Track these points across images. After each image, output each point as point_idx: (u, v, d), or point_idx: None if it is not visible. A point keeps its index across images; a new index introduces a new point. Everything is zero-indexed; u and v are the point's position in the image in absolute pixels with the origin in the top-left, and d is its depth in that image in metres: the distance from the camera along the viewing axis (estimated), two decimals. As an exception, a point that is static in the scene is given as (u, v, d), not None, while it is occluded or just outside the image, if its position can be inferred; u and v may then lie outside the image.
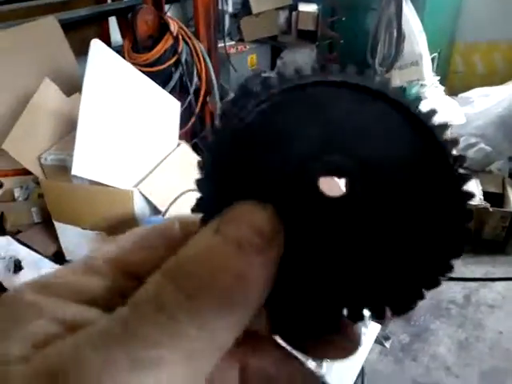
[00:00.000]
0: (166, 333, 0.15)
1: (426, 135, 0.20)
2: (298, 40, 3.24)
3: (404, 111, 0.20)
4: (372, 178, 0.20)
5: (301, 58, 3.19)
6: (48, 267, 1.17)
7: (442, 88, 3.11)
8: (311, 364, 1.37)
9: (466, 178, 0.20)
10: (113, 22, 3.02)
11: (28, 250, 1.20)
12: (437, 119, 0.21)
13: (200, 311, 0.16)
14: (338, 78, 0.21)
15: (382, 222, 0.20)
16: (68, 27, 2.64)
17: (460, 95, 3.08)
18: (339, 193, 0.20)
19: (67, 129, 2.16)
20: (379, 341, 1.54)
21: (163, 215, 1.86)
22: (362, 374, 1.64)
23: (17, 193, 2.41)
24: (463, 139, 2.99)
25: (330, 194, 0.20)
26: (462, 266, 2.40)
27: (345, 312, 0.21)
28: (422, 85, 3.03)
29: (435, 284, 0.20)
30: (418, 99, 0.20)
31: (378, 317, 0.20)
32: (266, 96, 0.20)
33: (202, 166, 0.21)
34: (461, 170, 0.20)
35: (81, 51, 2.64)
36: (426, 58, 2.73)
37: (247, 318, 0.17)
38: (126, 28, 2.67)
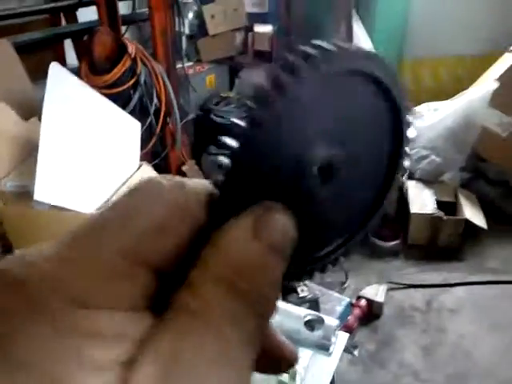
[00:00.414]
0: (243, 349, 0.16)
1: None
2: (255, 60, 3.32)
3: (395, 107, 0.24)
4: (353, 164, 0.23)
5: (258, 78, 3.25)
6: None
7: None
8: (284, 376, 1.38)
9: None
10: (68, 44, 2.99)
11: None
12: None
13: (261, 325, 0.17)
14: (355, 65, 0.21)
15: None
16: (22, 50, 2.60)
17: (411, 110, 3.22)
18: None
19: (25, 153, 2.11)
20: (348, 350, 1.57)
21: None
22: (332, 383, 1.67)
23: (-28, 221, 2.33)
24: (415, 152, 3.13)
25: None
26: (420, 274, 2.50)
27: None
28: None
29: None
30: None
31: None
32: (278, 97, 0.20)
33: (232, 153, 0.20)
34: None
35: (36, 75, 2.60)
36: (377, 76, 2.85)
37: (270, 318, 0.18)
38: (83, 50, 2.65)
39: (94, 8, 2.64)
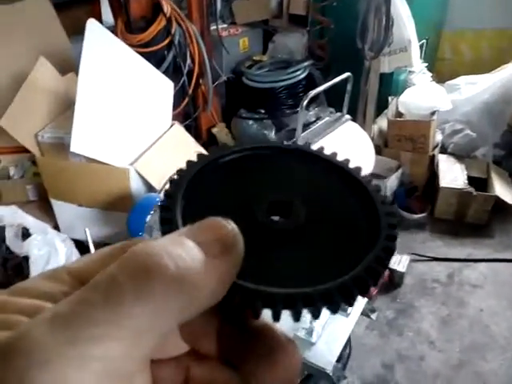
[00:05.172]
0: (112, 311, 0.17)
1: (357, 185, 0.27)
2: (290, 24, 3.26)
3: (336, 169, 0.28)
4: (312, 212, 0.25)
5: (292, 42, 3.21)
6: (54, 234, 1.21)
7: (430, 75, 3.17)
8: (301, 332, 1.43)
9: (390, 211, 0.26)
10: (104, 1, 3.00)
11: (33, 218, 1.23)
12: (362, 173, 0.28)
13: (147, 293, 0.17)
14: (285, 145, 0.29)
15: (319, 238, 0.25)
16: (59, 7, 2.63)
17: (447, 82, 3.14)
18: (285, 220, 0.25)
19: (62, 107, 2.17)
20: (366, 313, 1.60)
21: (159, 193, 1.90)
22: (349, 345, 1.71)
23: (12, 171, 2.43)
24: (449, 125, 3.07)
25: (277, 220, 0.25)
26: (445, 247, 2.50)
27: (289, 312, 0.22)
28: (409, 71, 3.09)
29: (365, 289, 0.22)
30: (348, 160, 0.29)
31: (314, 315, 0.22)
32: (233, 150, 0.27)
33: (168, 194, 0.24)
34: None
35: (73, 31, 2.64)
36: (414, 45, 2.78)
37: (193, 309, 0.19)
38: (119, 8, 2.66)
39: (130, -34, 2.62)
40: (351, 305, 0.22)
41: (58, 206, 2.16)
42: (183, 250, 0.19)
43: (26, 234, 1.17)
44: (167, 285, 0.17)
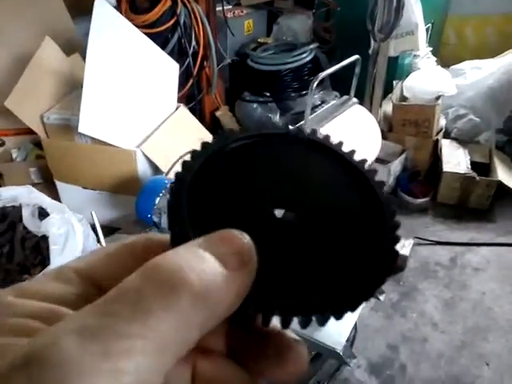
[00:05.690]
0: (140, 325, 0.17)
1: (361, 180, 0.26)
2: (295, 6, 3.23)
3: (340, 158, 0.27)
4: (316, 208, 0.25)
5: (297, 25, 3.19)
6: (71, 214, 1.21)
7: (434, 59, 3.16)
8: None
9: (393, 215, 0.25)
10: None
11: (49, 198, 1.24)
12: (367, 165, 0.27)
13: (174, 307, 0.17)
14: (292, 131, 0.27)
15: (324, 243, 0.24)
16: (63, -14, 2.59)
17: (452, 67, 3.13)
18: (291, 218, 0.25)
19: (67, 88, 2.16)
20: (374, 295, 1.62)
21: (166, 175, 1.91)
22: (354, 327, 1.74)
23: (14, 154, 2.42)
24: (453, 110, 3.07)
25: (284, 219, 0.25)
26: (447, 232, 2.52)
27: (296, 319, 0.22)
28: (414, 55, 3.08)
29: (369, 295, 0.23)
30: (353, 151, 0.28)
31: (321, 322, 0.22)
32: (235, 138, 0.26)
33: (174, 193, 0.23)
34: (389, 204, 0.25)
35: (76, 11, 2.61)
36: (421, 28, 2.76)
37: (214, 320, 0.19)
38: (123, -12, 2.62)
39: None
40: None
41: (63, 188, 2.16)
42: (206, 264, 0.19)
43: (42, 213, 1.18)
44: (193, 300, 0.18)
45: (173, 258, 0.19)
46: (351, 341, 1.71)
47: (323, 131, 1.65)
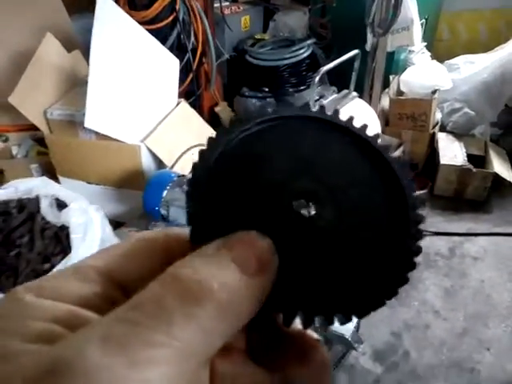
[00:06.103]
0: (165, 334, 0.17)
1: (384, 167, 0.24)
2: (291, 2, 3.26)
3: (365, 145, 0.25)
4: (339, 202, 0.23)
5: (293, 21, 3.21)
6: (88, 205, 1.23)
7: (429, 54, 3.20)
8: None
9: (416, 208, 0.23)
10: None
11: (66, 189, 1.25)
12: (392, 153, 0.24)
13: (197, 317, 0.17)
14: (310, 113, 0.25)
15: (347, 240, 0.23)
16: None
17: (446, 62, 3.18)
18: (311, 212, 0.23)
19: (69, 84, 2.16)
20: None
21: (171, 169, 1.92)
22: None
23: (15, 150, 2.42)
24: (448, 104, 3.12)
25: (304, 213, 0.23)
26: (446, 223, 2.56)
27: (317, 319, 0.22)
28: (409, 51, 3.12)
29: (393, 294, 0.22)
30: (377, 136, 0.25)
31: (343, 322, 0.22)
32: (248, 125, 0.24)
33: (192, 185, 0.23)
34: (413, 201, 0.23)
35: (73, 9, 2.61)
36: (416, 24, 2.80)
37: (236, 327, 0.19)
38: (121, -16, 2.63)
39: None
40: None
41: (67, 183, 2.17)
42: (227, 271, 0.19)
43: (60, 204, 1.19)
44: (216, 309, 0.18)
45: (194, 265, 0.19)
46: (357, 328, 1.74)
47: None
